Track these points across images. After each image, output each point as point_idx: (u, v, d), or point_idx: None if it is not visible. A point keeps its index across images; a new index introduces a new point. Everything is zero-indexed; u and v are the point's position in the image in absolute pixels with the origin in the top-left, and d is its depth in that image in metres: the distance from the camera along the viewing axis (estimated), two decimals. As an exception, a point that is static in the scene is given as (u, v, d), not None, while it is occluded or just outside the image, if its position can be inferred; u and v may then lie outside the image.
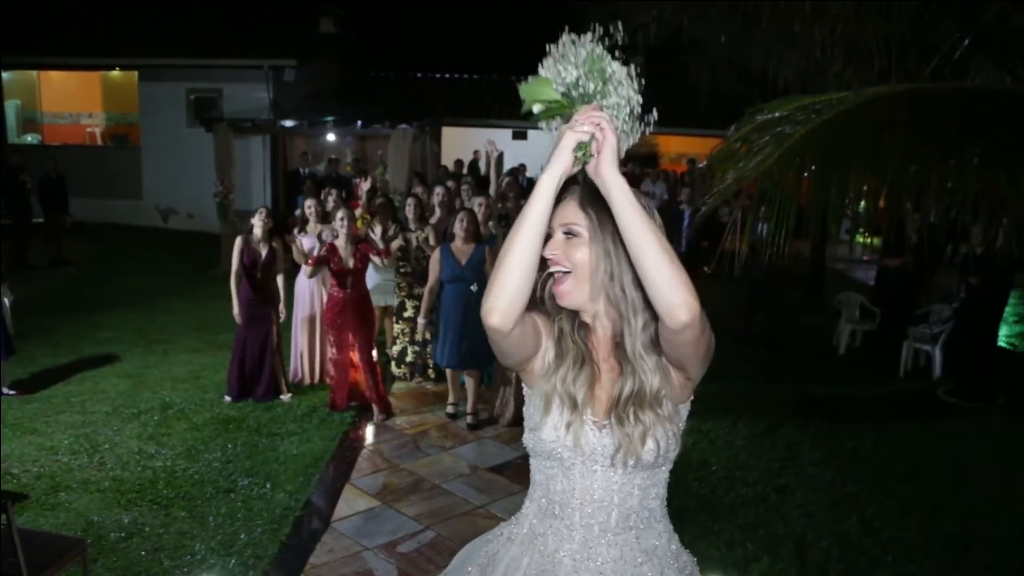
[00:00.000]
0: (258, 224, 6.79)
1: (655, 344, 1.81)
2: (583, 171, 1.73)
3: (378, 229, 7.51)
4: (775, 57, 6.58)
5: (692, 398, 1.89)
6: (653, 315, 1.76)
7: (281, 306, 6.96)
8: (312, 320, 7.41)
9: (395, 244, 7.30)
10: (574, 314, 1.91)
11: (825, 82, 6.14)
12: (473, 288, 6.51)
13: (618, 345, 1.87)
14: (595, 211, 1.82)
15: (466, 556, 2.15)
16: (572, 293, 1.85)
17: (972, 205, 3.57)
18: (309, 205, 7.49)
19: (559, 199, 1.83)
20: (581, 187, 1.86)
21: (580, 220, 1.84)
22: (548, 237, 1.83)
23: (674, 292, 1.61)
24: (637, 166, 18.41)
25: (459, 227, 6.50)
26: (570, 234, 1.85)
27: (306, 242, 7.12)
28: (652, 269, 1.62)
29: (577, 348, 1.88)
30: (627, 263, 1.76)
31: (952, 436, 6.79)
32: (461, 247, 6.52)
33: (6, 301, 6.80)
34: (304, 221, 7.47)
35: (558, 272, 1.86)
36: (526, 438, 1.92)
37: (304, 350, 7.47)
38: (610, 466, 1.84)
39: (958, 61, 5.00)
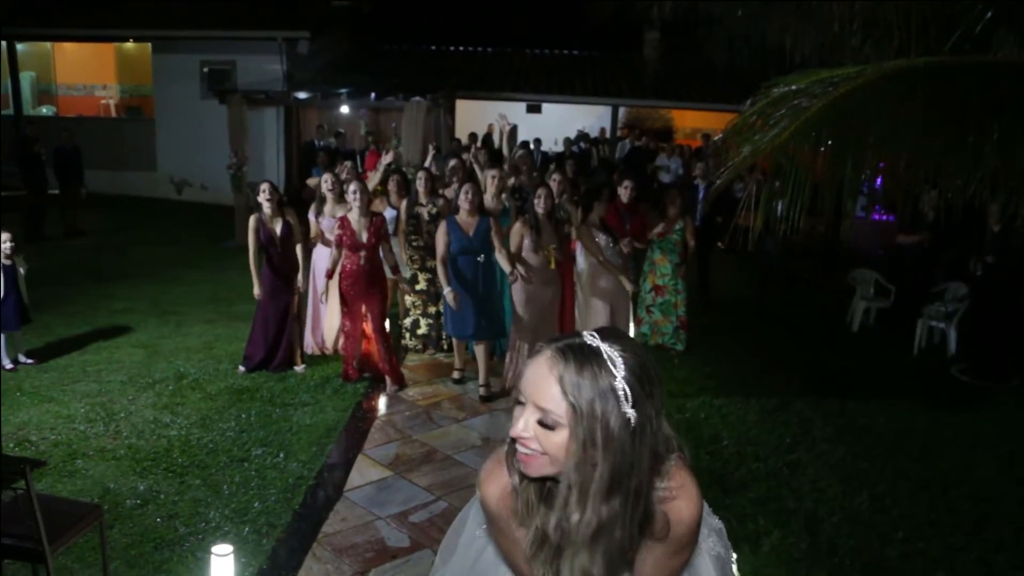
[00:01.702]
0: (265, 201, 6.76)
1: (614, 552, 1.59)
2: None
3: (402, 205, 7.51)
4: (792, 31, 6.50)
5: None
6: (611, 523, 1.56)
7: (299, 276, 6.95)
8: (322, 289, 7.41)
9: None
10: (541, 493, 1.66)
11: (843, 57, 6.05)
12: (480, 259, 6.55)
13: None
14: (579, 399, 1.48)
15: (476, 516, 2.15)
16: (537, 469, 1.57)
17: (991, 182, 3.52)
18: (327, 181, 7.35)
19: (536, 351, 1.58)
20: (567, 356, 1.51)
21: (559, 410, 1.49)
22: (518, 398, 1.57)
23: None
24: (652, 140, 18.35)
25: (464, 199, 6.51)
26: (544, 425, 1.51)
27: (325, 224, 7.13)
28: None
29: (539, 524, 1.65)
30: (603, 472, 1.51)
31: (965, 415, 6.77)
32: (466, 219, 6.53)
33: (21, 271, 6.85)
34: (322, 201, 7.35)
35: (522, 451, 1.56)
36: None
37: (320, 321, 7.50)
38: None
39: (979, 35, 4.92)
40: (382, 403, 6.58)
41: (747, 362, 7.81)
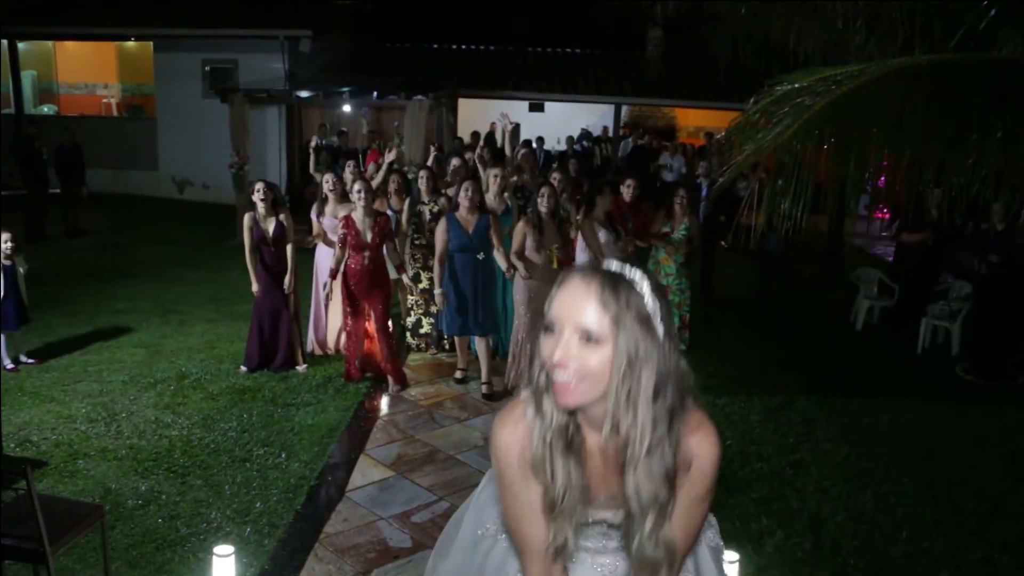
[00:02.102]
0: (259, 200, 6.72)
1: (663, 476, 1.64)
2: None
3: (403, 208, 7.51)
4: (795, 29, 6.48)
5: None
6: (663, 439, 1.62)
7: (287, 277, 6.84)
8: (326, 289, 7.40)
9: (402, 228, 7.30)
10: (565, 418, 1.67)
11: (847, 54, 6.03)
12: (480, 256, 6.57)
13: (619, 449, 1.68)
14: (619, 309, 1.56)
15: (476, 516, 2.14)
16: (577, 397, 1.59)
17: (994, 180, 3.50)
18: (328, 180, 7.30)
19: (563, 278, 1.63)
20: (599, 276, 1.59)
21: (603, 325, 1.55)
22: (547, 326, 1.61)
23: None
24: (654, 139, 18.33)
25: (464, 197, 6.53)
26: (588, 339, 1.56)
27: (326, 224, 7.11)
28: None
29: (565, 472, 1.68)
30: (647, 381, 1.58)
31: (969, 414, 6.75)
32: (466, 216, 6.55)
33: (20, 270, 6.83)
34: (324, 201, 7.29)
35: (562, 378, 1.58)
36: None
37: (321, 320, 7.49)
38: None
39: (984, 32, 4.89)
40: (384, 403, 6.56)
41: (750, 361, 7.79)
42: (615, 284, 1.57)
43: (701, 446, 1.69)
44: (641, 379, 1.56)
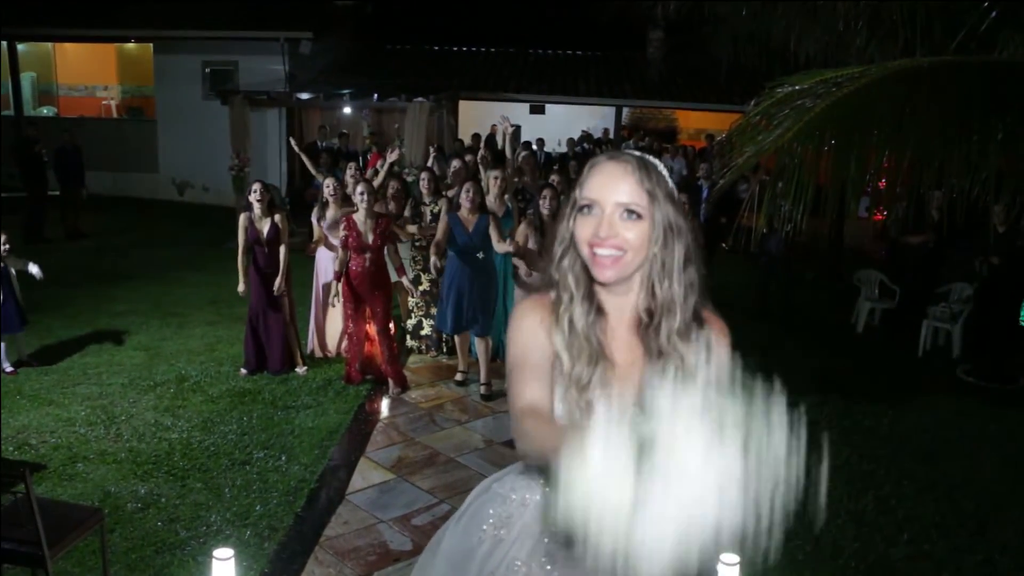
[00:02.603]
0: (255, 201, 6.71)
1: (688, 332, 1.76)
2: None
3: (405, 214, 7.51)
4: (797, 30, 6.47)
5: None
6: (689, 302, 1.75)
7: (278, 279, 6.77)
8: (331, 292, 7.38)
9: (410, 229, 7.28)
10: (590, 302, 1.78)
11: (848, 56, 6.03)
12: (479, 256, 6.59)
13: (646, 328, 1.78)
14: (653, 185, 1.69)
15: (475, 512, 2.13)
16: (618, 270, 1.70)
17: (995, 182, 3.49)
18: (328, 185, 7.26)
19: (595, 163, 1.74)
20: (631, 158, 1.73)
21: (641, 200, 1.68)
22: (584, 207, 1.72)
23: None
24: (655, 141, 18.30)
25: (465, 198, 6.55)
26: (629, 214, 1.68)
27: (327, 228, 7.10)
28: None
29: (590, 346, 1.76)
30: (679, 251, 1.72)
31: (970, 416, 6.74)
32: (467, 216, 6.57)
33: (12, 271, 6.77)
34: (324, 205, 7.28)
35: (605, 253, 1.69)
36: None
37: (321, 322, 7.48)
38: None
39: (984, 34, 4.89)
40: (384, 405, 6.56)
41: (750, 363, 7.77)
42: (646, 164, 1.71)
43: (719, 338, 1.82)
44: (675, 250, 1.71)
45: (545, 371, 1.77)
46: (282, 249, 6.81)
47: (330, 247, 7.05)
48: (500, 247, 6.53)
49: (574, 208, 1.74)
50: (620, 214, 1.68)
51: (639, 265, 1.72)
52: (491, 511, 2.06)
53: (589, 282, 1.78)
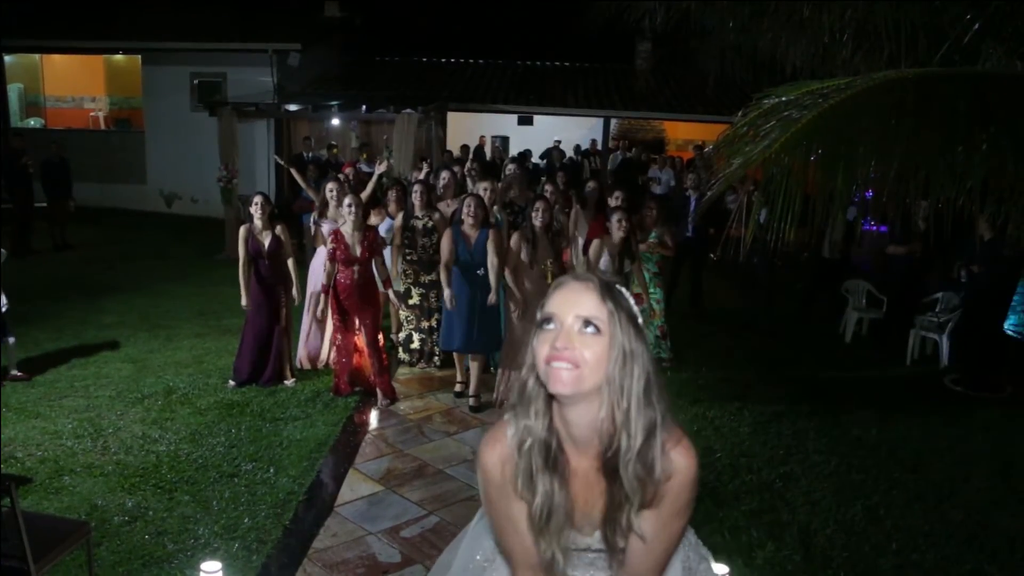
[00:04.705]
0: (256, 213, 6.72)
1: (649, 468, 1.69)
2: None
3: (398, 218, 7.52)
4: (783, 42, 6.52)
5: None
6: (649, 435, 1.68)
7: (295, 290, 6.89)
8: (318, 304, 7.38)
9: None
10: (549, 434, 1.74)
11: (834, 68, 6.07)
12: (480, 272, 6.57)
13: (606, 461, 1.73)
14: (614, 304, 1.67)
15: (471, 543, 2.15)
16: (574, 384, 1.64)
17: (980, 192, 3.52)
18: (331, 189, 7.36)
19: (559, 282, 1.73)
20: (593, 277, 1.72)
21: (601, 315, 1.65)
22: (543, 321, 1.69)
23: None
24: (643, 152, 18.36)
25: (467, 212, 6.55)
26: (590, 327, 1.65)
27: (326, 227, 7.12)
28: None
29: (548, 490, 1.73)
30: (638, 376, 1.67)
31: (958, 425, 6.76)
32: (468, 231, 6.57)
33: None
34: (324, 205, 7.38)
35: (561, 367, 1.64)
36: None
37: (313, 333, 7.46)
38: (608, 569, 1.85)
39: (968, 47, 4.94)
40: (373, 417, 6.54)
41: (740, 374, 7.79)
42: (608, 284, 1.69)
43: (680, 460, 1.72)
44: (634, 373, 1.65)
45: (527, 534, 1.78)
46: (290, 261, 6.85)
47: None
48: (492, 276, 6.52)
49: (535, 327, 1.72)
50: (579, 327, 1.65)
51: (596, 384, 1.66)
52: (485, 543, 2.09)
53: (548, 410, 1.74)
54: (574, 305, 1.66)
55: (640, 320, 1.72)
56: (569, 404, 1.70)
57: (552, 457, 1.73)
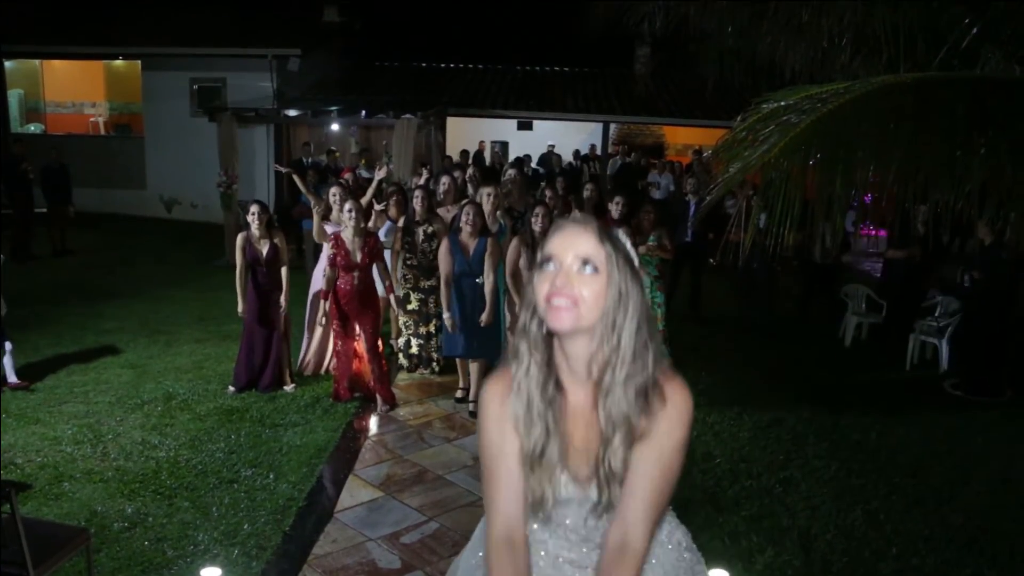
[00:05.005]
0: (254, 221, 6.72)
1: (636, 401, 1.75)
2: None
3: (400, 221, 7.52)
4: (782, 47, 6.53)
5: None
6: (640, 369, 1.74)
7: (282, 297, 6.86)
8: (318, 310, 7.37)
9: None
10: (548, 371, 1.81)
11: (833, 72, 6.08)
12: (479, 281, 6.57)
13: (601, 392, 1.78)
14: (612, 247, 1.74)
15: (475, 544, 2.17)
16: (573, 320, 1.71)
17: (979, 196, 3.52)
18: (334, 194, 7.34)
19: (558, 224, 1.79)
20: (592, 221, 1.78)
21: (599, 255, 1.72)
22: (543, 262, 1.75)
23: None
24: (643, 157, 18.38)
25: (465, 220, 6.54)
26: (588, 266, 1.72)
27: (329, 230, 7.13)
28: None
29: (544, 424, 1.78)
30: (632, 313, 1.73)
31: (958, 429, 6.76)
32: (467, 240, 6.56)
33: None
34: (328, 209, 7.39)
35: (560, 303, 1.71)
36: None
37: (315, 339, 7.46)
38: (598, 514, 1.85)
39: (966, 50, 4.95)
40: (373, 423, 6.53)
41: (739, 378, 7.79)
42: (606, 228, 1.77)
43: (673, 393, 1.79)
44: (628, 310, 1.72)
45: (516, 473, 1.82)
46: (283, 270, 6.84)
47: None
48: (488, 287, 6.53)
49: (536, 268, 1.78)
50: (578, 267, 1.71)
51: (593, 321, 1.72)
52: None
53: (548, 348, 1.81)
54: (572, 246, 1.72)
55: (636, 263, 1.78)
56: (567, 340, 1.76)
57: (550, 393, 1.79)
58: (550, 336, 1.79)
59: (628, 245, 1.80)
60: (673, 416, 1.76)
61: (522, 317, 1.81)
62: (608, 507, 1.80)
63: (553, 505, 1.84)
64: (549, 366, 1.81)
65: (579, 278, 1.71)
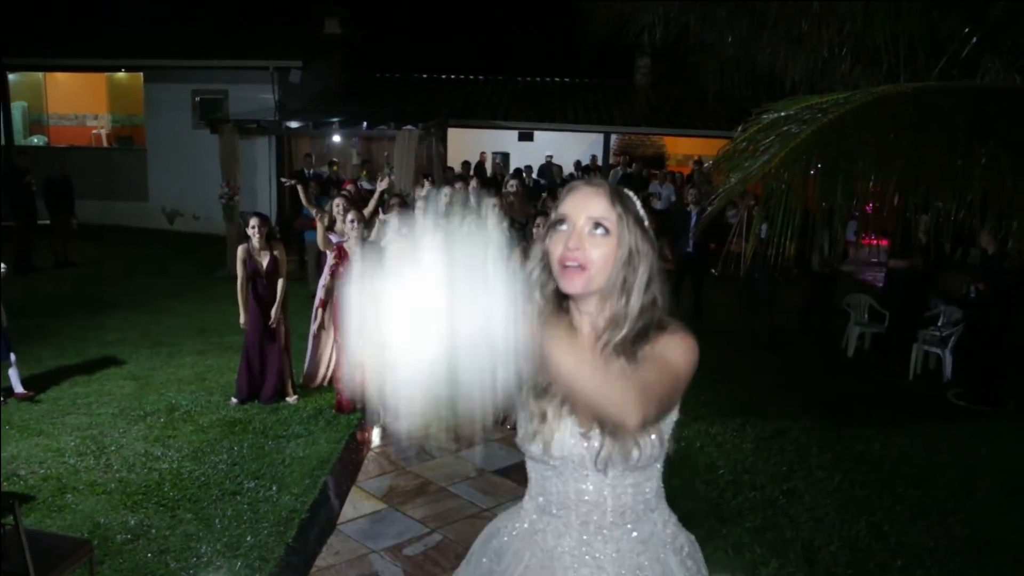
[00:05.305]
0: (254, 233, 6.74)
1: (634, 345, 1.78)
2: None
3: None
4: (782, 57, 6.54)
5: (678, 404, 1.89)
6: (643, 327, 1.78)
7: (273, 309, 6.83)
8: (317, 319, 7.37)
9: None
10: (562, 319, 1.85)
11: (833, 82, 6.09)
12: None
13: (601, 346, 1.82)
14: (623, 208, 1.79)
15: (479, 549, 2.17)
16: (584, 282, 1.77)
17: (980, 206, 3.52)
18: (338, 204, 7.38)
19: (571, 186, 1.84)
20: (604, 183, 1.84)
21: (611, 216, 1.77)
22: (556, 223, 1.80)
23: (612, 408, 1.53)
24: (644, 167, 18.40)
25: None
26: (600, 228, 1.77)
27: (334, 240, 7.15)
28: (588, 396, 1.54)
29: None
30: (642, 272, 1.79)
31: (961, 440, 6.75)
32: None
33: None
34: (332, 221, 7.43)
35: (572, 267, 1.77)
36: (518, 442, 1.94)
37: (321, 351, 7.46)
38: (599, 471, 1.85)
39: (966, 60, 4.95)
40: (376, 434, 6.53)
41: (742, 389, 7.78)
42: (618, 190, 1.83)
43: (677, 327, 1.83)
44: (638, 271, 1.78)
45: None
46: (281, 282, 6.85)
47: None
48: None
49: (549, 227, 1.84)
50: (589, 228, 1.77)
51: (603, 284, 1.78)
52: (491, 545, 2.12)
53: (558, 302, 1.86)
54: (584, 207, 1.78)
55: (647, 223, 1.83)
56: (580, 299, 1.83)
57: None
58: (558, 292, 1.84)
59: (638, 204, 1.84)
60: (671, 340, 1.79)
61: (528, 269, 1.84)
62: (608, 461, 1.82)
63: (555, 459, 1.85)
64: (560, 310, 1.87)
65: (590, 239, 1.76)
